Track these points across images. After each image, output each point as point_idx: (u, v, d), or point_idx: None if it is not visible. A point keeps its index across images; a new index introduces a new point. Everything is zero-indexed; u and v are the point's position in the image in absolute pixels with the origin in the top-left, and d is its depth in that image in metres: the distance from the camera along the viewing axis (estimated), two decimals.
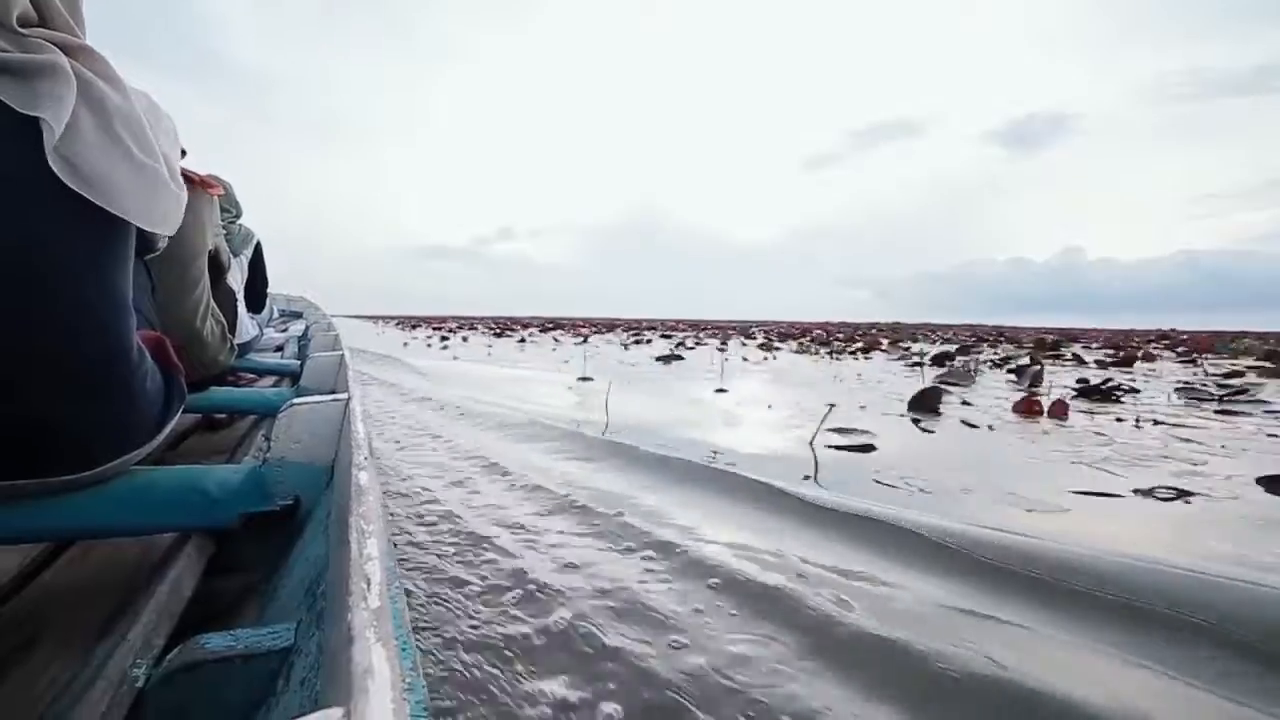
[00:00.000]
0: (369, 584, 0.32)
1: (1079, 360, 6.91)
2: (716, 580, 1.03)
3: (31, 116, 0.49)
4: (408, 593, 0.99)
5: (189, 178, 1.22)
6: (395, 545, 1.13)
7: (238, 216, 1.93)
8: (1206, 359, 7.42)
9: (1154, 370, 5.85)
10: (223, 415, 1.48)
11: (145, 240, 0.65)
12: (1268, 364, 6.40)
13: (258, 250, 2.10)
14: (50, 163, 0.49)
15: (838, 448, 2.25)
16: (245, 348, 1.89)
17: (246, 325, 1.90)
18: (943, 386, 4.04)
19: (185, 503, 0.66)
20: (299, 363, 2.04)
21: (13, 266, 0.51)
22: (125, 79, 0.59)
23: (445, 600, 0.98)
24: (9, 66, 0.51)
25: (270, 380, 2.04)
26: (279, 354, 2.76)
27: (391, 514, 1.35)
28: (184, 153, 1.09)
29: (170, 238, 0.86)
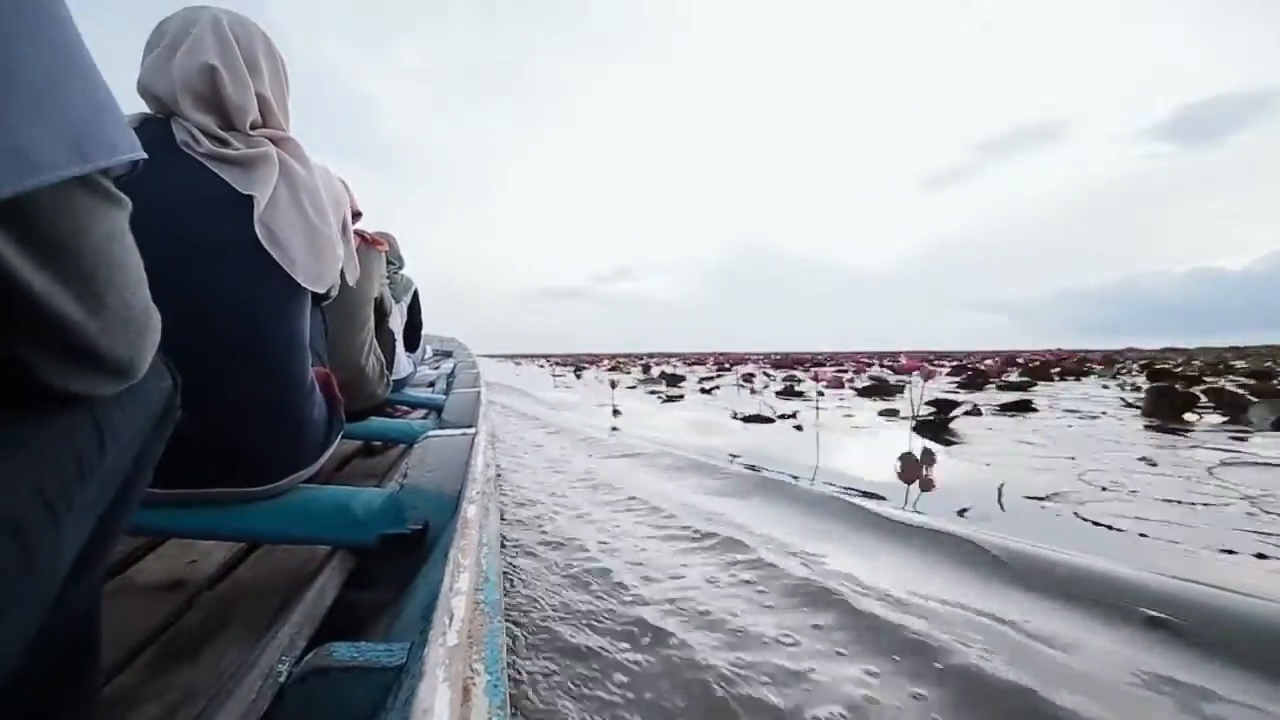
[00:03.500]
0: (450, 620, 0.35)
1: None
2: None
3: (247, 195, 0.66)
4: None
5: (362, 236, 1.50)
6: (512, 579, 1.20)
7: (400, 267, 2.32)
8: None
9: None
10: (378, 442, 1.75)
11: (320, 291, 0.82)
12: None
13: (415, 296, 2.50)
14: (256, 229, 0.65)
15: None
16: (401, 383, 2.22)
17: (403, 363, 2.25)
18: None
19: (335, 520, 0.79)
20: (444, 397, 2.33)
21: (230, 316, 0.68)
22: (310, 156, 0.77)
23: None
24: (238, 160, 0.69)
25: (421, 412, 2.36)
26: (430, 389, 3.19)
27: None
28: (359, 214, 1.35)
29: (343, 286, 1.06)
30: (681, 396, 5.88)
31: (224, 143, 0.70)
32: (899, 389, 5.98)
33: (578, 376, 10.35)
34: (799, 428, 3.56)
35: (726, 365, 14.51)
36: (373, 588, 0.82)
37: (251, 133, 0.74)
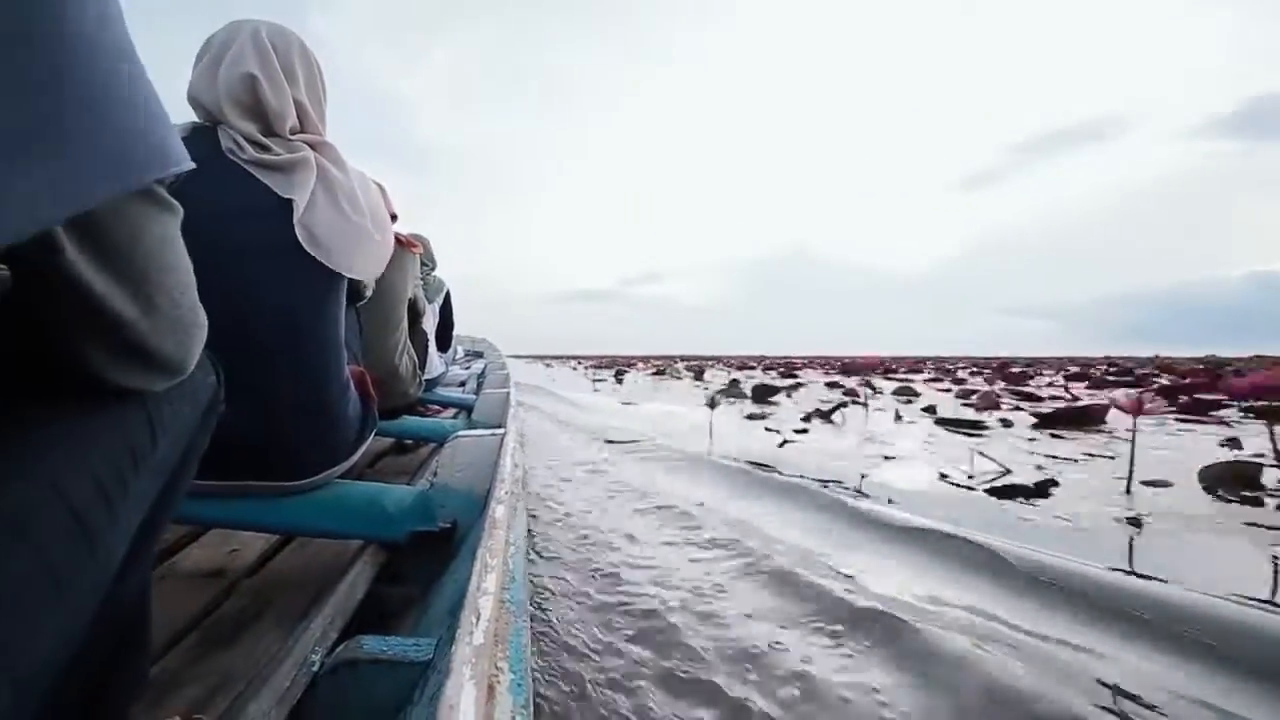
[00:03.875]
0: (477, 618, 0.35)
1: None
2: None
3: (287, 199, 0.69)
4: None
5: (397, 238, 1.54)
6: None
7: (433, 269, 2.38)
8: None
9: None
10: (410, 440, 1.79)
11: (355, 290, 0.84)
12: None
13: (447, 298, 2.56)
14: (295, 231, 0.68)
15: None
16: (433, 382, 2.28)
17: (435, 363, 2.30)
18: None
19: (367, 515, 0.81)
20: (475, 397, 2.38)
21: (271, 316, 0.71)
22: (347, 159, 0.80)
23: None
24: (279, 165, 0.72)
25: (452, 412, 2.42)
26: (461, 389, 3.25)
27: None
28: (394, 217, 1.39)
29: (378, 287, 1.09)
30: (805, 430, 3.87)
31: (265, 148, 0.73)
32: (1095, 416, 3.97)
33: (619, 381, 9.64)
34: (1134, 522, 1.77)
35: (781, 370, 13.20)
36: (402, 583, 0.85)
37: (291, 138, 0.77)
